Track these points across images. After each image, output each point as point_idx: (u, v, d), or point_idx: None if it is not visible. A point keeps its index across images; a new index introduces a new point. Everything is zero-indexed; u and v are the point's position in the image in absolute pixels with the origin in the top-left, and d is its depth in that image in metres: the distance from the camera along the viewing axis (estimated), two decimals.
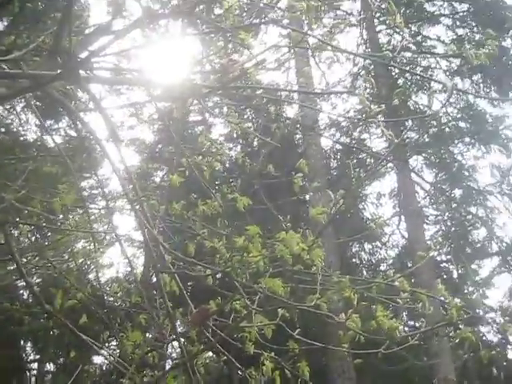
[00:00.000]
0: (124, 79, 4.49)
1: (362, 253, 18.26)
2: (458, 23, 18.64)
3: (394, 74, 17.46)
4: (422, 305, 4.49)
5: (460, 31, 18.60)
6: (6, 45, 5.00)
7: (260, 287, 3.58)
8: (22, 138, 11.76)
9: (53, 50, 3.36)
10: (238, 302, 4.72)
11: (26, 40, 5.24)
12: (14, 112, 11.80)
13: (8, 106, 11.09)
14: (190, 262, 4.43)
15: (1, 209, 4.58)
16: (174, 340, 5.09)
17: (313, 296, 3.74)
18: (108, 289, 12.61)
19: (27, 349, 17.57)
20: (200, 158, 6.08)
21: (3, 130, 11.98)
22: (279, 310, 4.33)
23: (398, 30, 17.27)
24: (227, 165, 15.85)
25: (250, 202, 4.45)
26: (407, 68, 16.35)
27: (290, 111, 17.41)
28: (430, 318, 4.72)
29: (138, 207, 4.78)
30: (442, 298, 4.11)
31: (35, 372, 17.27)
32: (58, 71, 3.19)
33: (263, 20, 5.77)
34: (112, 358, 6.21)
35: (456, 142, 17.55)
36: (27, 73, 3.30)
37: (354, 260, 17.89)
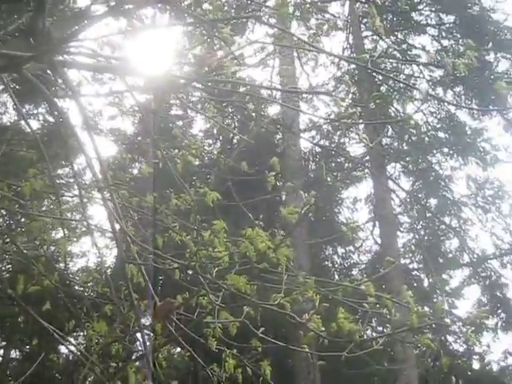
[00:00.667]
0: (102, 66, 4.44)
1: (335, 256, 18.30)
2: (443, 34, 18.74)
3: (377, 80, 17.53)
4: (388, 310, 4.49)
5: (445, 42, 18.71)
6: None
7: (225, 283, 3.56)
8: None
9: (27, 32, 3.30)
10: (204, 297, 4.70)
11: (7, 20, 5.18)
12: None
13: None
14: (158, 254, 4.39)
15: None
16: (137, 332, 5.04)
17: (277, 295, 3.73)
18: (77, 278, 12.53)
19: None
20: (176, 151, 6.04)
21: None
22: (244, 307, 4.32)
23: (383, 37, 17.41)
24: (206, 161, 15.82)
25: (219, 197, 4.42)
26: (390, 75, 16.40)
27: (272, 110, 17.44)
28: (398, 324, 4.73)
29: (108, 197, 4.74)
30: (407, 305, 4.10)
31: (0, 359, 17.07)
32: (32, 53, 3.14)
33: (246, 15, 5.72)
34: (74, 348, 6.18)
35: (434, 151, 17.64)
36: (1, 52, 3.25)
37: (326, 263, 17.92)
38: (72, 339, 11.51)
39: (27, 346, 16.76)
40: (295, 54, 16.31)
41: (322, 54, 16.29)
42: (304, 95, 17.62)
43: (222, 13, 5.15)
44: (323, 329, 4.06)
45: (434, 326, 4.08)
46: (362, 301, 4.46)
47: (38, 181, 4.89)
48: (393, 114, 17.16)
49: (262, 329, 4.50)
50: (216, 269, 3.89)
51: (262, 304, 3.92)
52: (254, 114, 5.39)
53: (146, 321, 6.45)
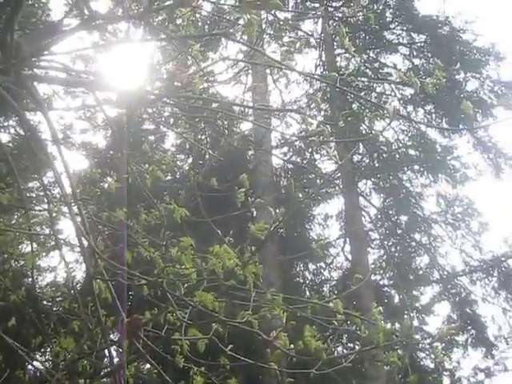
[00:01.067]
0: (73, 80, 4.41)
1: (306, 272, 18.29)
2: (414, 53, 19.03)
3: (349, 97, 17.68)
4: (358, 327, 4.50)
5: (416, 61, 18.99)
6: None
7: (192, 300, 3.54)
8: None
9: None
10: (172, 314, 4.67)
11: None
12: None
13: None
14: (126, 270, 4.35)
15: None
16: (104, 348, 4.98)
17: (245, 313, 3.72)
18: (46, 293, 12.34)
19: None
20: (146, 166, 6.02)
21: None
22: (213, 324, 4.30)
23: (355, 55, 17.59)
24: (177, 176, 15.76)
25: (187, 214, 4.41)
26: (360, 94, 16.57)
27: (244, 126, 17.48)
28: (367, 341, 4.74)
29: (76, 211, 4.69)
30: (375, 322, 4.11)
31: None
32: None
33: (216, 32, 5.75)
34: (40, 364, 6.08)
35: (405, 168, 17.82)
36: None
37: (297, 279, 17.90)
38: (39, 355, 11.34)
39: None
40: (268, 70, 16.42)
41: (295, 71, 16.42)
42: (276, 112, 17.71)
43: (194, 29, 5.17)
44: (292, 346, 4.05)
45: (403, 342, 4.09)
46: (331, 318, 4.47)
47: (5, 195, 4.82)
48: (364, 132, 17.32)
49: (230, 346, 4.48)
50: (184, 286, 3.87)
51: (230, 321, 3.90)
52: (225, 130, 5.39)
53: (114, 337, 6.40)
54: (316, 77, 15.46)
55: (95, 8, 4.65)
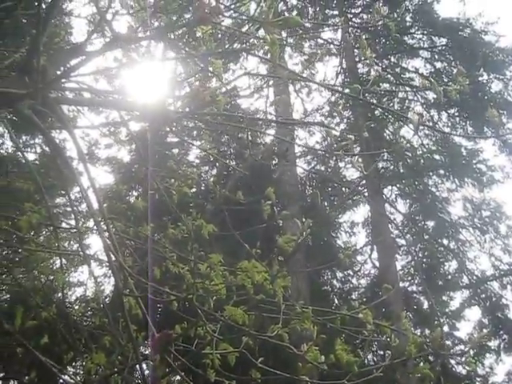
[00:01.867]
0: (97, 101, 4.47)
1: (334, 281, 18.21)
2: (436, 57, 18.96)
3: (371, 102, 17.65)
4: (388, 337, 4.48)
5: (438, 65, 18.91)
6: None
7: (221, 315, 3.56)
8: None
9: (23, 69, 3.34)
10: (201, 328, 4.69)
11: (3, 55, 5.22)
12: None
13: None
14: (155, 287, 4.38)
15: None
16: (136, 364, 5.01)
17: (275, 326, 3.72)
18: (75, 307, 12.46)
19: None
20: (172, 180, 6.07)
21: None
22: (243, 337, 4.31)
23: (377, 61, 17.54)
24: (202, 187, 15.82)
25: (214, 229, 4.43)
26: (383, 105, 16.51)
27: (268, 137, 17.52)
28: (398, 350, 4.71)
29: (104, 228, 4.74)
30: (405, 333, 4.09)
31: None
32: (27, 90, 3.17)
33: (237, 48, 5.79)
34: (72, 381, 6.14)
35: (430, 173, 17.71)
36: None
37: (325, 288, 17.82)
38: (71, 369, 11.44)
39: (26, 377, 16.58)
40: (289, 80, 16.43)
41: (317, 79, 16.45)
42: (299, 118, 17.71)
43: (214, 42, 5.21)
44: (322, 357, 4.04)
45: (435, 353, 4.06)
46: (360, 329, 4.45)
47: (34, 214, 4.88)
48: (388, 138, 17.26)
49: (261, 358, 4.48)
50: (213, 299, 3.88)
51: (260, 335, 3.91)
52: (247, 143, 5.41)
53: (145, 352, 6.43)
54: (339, 89, 15.42)
55: (117, 27, 4.74)
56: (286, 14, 15.49)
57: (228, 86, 3.61)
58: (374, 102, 15.70)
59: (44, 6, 3.56)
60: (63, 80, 3.52)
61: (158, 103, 4.09)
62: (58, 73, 3.54)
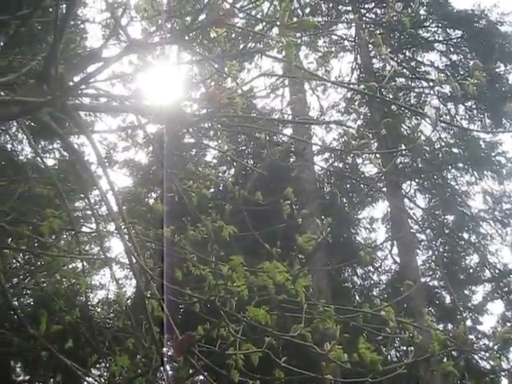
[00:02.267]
0: (114, 107, 4.51)
1: (355, 277, 18.16)
2: (451, 49, 18.80)
3: (387, 99, 17.55)
4: (410, 334, 4.47)
5: (454, 57, 18.75)
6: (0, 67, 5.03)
7: (244, 316, 3.57)
8: (15, 159, 11.74)
9: (41, 77, 3.37)
10: (224, 329, 4.70)
11: (21, 63, 5.27)
12: (8, 132, 11.80)
13: (3, 127, 11.09)
14: (177, 289, 4.41)
15: None
16: (159, 366, 5.04)
17: (297, 326, 3.73)
18: (98, 310, 12.55)
19: (17, 369, 17.35)
20: (191, 182, 6.09)
21: None
22: (266, 337, 4.31)
23: (392, 56, 17.45)
24: (220, 188, 15.85)
25: (235, 231, 4.45)
26: (401, 93, 16.42)
27: (285, 132, 17.49)
28: (422, 347, 4.69)
29: (125, 231, 4.78)
30: (428, 329, 4.08)
31: None
32: (45, 98, 3.20)
33: (252, 49, 5.80)
34: (97, 383, 6.19)
35: (449, 167, 17.59)
36: (16, 99, 3.32)
37: (346, 284, 17.78)
38: (95, 371, 11.52)
39: (51, 380, 16.71)
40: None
41: (333, 75, 16.39)
42: (316, 115, 17.69)
43: (228, 42, 5.22)
44: (345, 355, 4.03)
45: (457, 348, 4.04)
46: (382, 326, 4.45)
47: (56, 220, 4.93)
48: (405, 133, 17.17)
49: (284, 358, 4.49)
50: (235, 300, 3.90)
51: (283, 335, 3.91)
52: (265, 142, 5.43)
53: (168, 354, 6.46)
54: (356, 88, 15.38)
55: (132, 31, 4.77)
56: (300, 11, 15.46)
57: (244, 87, 3.62)
58: (390, 97, 15.64)
59: (60, 14, 3.60)
60: (83, 86, 3.55)
61: (175, 105, 4.11)
62: (76, 80, 3.57)
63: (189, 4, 4.85)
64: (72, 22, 7.73)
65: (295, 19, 3.48)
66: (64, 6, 4.00)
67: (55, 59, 3.17)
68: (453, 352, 5.31)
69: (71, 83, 3.44)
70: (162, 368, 5.06)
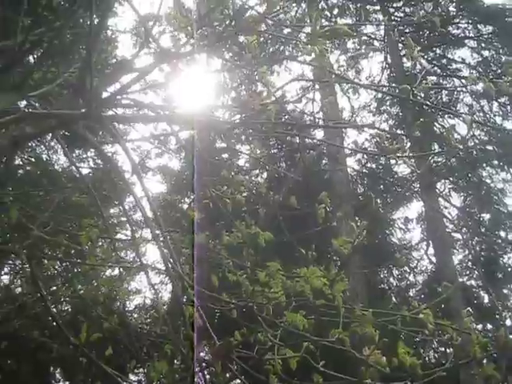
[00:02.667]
0: (149, 117, 4.55)
1: (391, 278, 18.03)
2: (483, 45, 18.55)
3: (419, 98, 17.38)
4: (450, 336, 4.42)
5: (485, 53, 18.50)
6: (35, 80, 5.11)
7: (281, 321, 3.58)
8: (50, 169, 11.90)
9: (76, 89, 3.42)
10: (262, 334, 4.71)
11: (54, 75, 5.35)
12: (43, 142, 11.98)
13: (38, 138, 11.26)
14: (214, 296, 4.43)
15: (28, 244, 4.65)
16: (198, 371, 5.06)
17: (335, 330, 3.71)
18: (135, 316, 12.65)
19: (57, 376, 17.56)
20: (225, 188, 6.10)
21: (33, 160, 12.13)
22: (304, 342, 4.31)
23: (422, 54, 17.28)
24: (253, 191, 15.87)
25: (271, 237, 4.45)
26: (432, 91, 16.23)
27: (317, 135, 17.41)
28: (462, 344, 4.63)
29: (161, 239, 4.82)
30: (467, 332, 4.03)
31: None
32: (81, 111, 3.25)
33: (282, 56, 5.79)
34: None
35: (484, 165, 17.37)
36: (53, 112, 3.37)
37: (382, 286, 17.65)
38: (134, 377, 11.63)
39: None
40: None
41: (363, 75, 16.31)
42: (347, 116, 17.62)
43: (258, 46, 5.23)
44: (384, 358, 4.01)
45: (498, 351, 3.99)
46: (421, 329, 4.40)
47: (93, 229, 5.00)
48: (438, 132, 16.98)
49: (322, 362, 4.48)
50: (272, 306, 3.90)
51: (321, 340, 3.91)
52: (300, 148, 5.43)
53: (206, 359, 6.49)
54: (389, 92, 15.28)
55: (162, 39, 4.82)
56: (328, 13, 15.41)
57: (276, 92, 3.63)
58: (422, 95, 15.49)
59: (92, 25, 3.65)
60: (119, 97, 3.60)
61: (207, 113, 4.14)
62: (112, 91, 3.62)
63: (218, 11, 4.87)
64: (104, 33, 7.82)
65: (323, 21, 3.46)
66: (96, 18, 4.06)
67: (90, 71, 3.22)
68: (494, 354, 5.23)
69: (106, 94, 3.49)
70: (200, 373, 5.08)
